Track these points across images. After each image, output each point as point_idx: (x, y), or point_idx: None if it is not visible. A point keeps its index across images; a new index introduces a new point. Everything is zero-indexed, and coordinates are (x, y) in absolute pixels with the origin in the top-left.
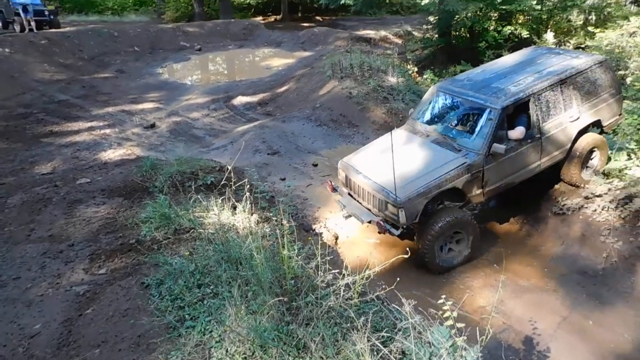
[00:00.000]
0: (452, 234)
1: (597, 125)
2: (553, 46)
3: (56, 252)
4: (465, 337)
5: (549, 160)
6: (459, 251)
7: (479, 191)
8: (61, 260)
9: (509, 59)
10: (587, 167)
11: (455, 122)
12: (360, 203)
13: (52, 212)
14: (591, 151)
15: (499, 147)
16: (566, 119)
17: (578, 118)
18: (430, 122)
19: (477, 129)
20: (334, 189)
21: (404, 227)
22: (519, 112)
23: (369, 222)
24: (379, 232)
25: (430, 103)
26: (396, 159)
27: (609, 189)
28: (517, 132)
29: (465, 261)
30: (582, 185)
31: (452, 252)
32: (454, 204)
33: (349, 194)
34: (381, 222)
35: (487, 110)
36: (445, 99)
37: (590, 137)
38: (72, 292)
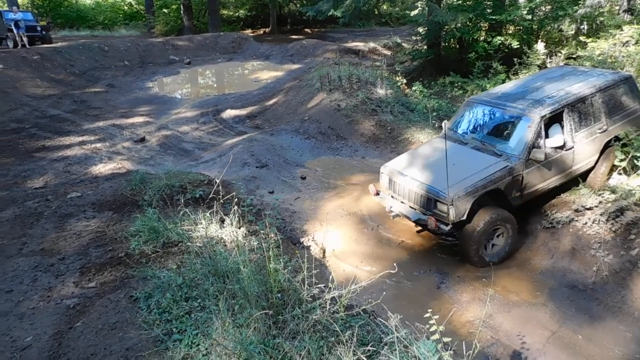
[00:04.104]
0: (494, 230)
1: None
2: (579, 65)
3: (47, 265)
4: (452, 352)
5: (579, 168)
6: (501, 246)
7: (517, 194)
8: (52, 274)
9: (537, 75)
10: (611, 177)
11: (493, 130)
12: (404, 204)
13: (44, 226)
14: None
15: (539, 153)
16: (596, 130)
17: (606, 130)
18: (467, 131)
19: (518, 136)
20: (377, 193)
21: (453, 223)
22: (553, 122)
23: (417, 220)
24: (429, 229)
25: (465, 114)
26: (442, 163)
27: (600, 202)
28: (555, 140)
29: (507, 256)
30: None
31: (495, 247)
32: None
33: (392, 196)
34: (434, 219)
35: (527, 119)
36: (482, 110)
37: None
38: (63, 305)
